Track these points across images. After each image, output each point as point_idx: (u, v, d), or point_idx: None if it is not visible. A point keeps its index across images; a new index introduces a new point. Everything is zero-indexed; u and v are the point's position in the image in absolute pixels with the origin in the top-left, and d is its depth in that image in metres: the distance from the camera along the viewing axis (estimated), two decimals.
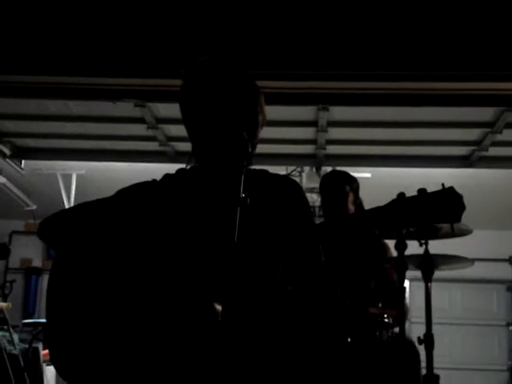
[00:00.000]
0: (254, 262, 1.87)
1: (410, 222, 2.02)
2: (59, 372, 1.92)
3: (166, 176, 2.10)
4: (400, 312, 2.82)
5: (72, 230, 2.01)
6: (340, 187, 4.00)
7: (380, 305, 3.81)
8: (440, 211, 1.99)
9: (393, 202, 2.00)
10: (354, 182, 4.07)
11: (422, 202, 2.00)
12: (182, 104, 2.03)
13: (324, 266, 2.02)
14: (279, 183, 2.06)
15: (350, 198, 3.99)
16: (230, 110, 1.94)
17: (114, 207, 2.03)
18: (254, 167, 2.01)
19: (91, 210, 2.04)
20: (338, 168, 6.89)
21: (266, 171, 2.09)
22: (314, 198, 6.57)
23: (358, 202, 4.03)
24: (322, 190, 4.14)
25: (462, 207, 1.99)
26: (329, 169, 6.99)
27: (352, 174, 4.16)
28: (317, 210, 6.30)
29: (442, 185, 2.06)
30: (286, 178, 2.15)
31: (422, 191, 2.02)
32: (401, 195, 2.03)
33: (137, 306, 1.85)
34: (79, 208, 2.08)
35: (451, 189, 2.01)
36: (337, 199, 3.99)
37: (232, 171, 1.82)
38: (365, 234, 3.77)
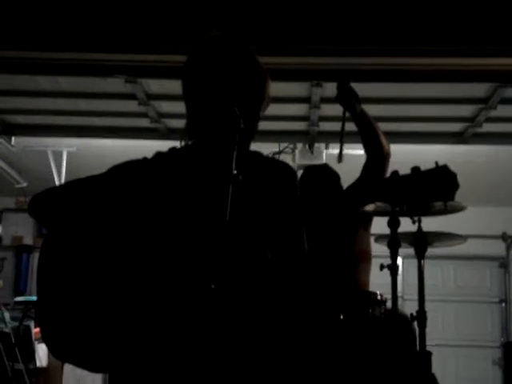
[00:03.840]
0: (245, 240, 1.86)
1: (404, 200, 1.99)
2: (51, 350, 1.91)
3: (158, 154, 2.08)
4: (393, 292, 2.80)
5: (64, 207, 1.98)
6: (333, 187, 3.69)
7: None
8: (434, 190, 1.96)
9: (387, 180, 1.96)
10: None
11: (415, 180, 1.97)
12: (184, 78, 2.03)
13: (308, 253, 1.99)
14: (273, 167, 2.04)
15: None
16: (231, 87, 1.94)
17: (107, 185, 2.02)
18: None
19: (83, 187, 2.02)
20: (332, 145, 6.90)
21: (260, 153, 2.07)
22: None
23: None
24: (314, 187, 3.69)
25: (456, 185, 1.95)
26: (322, 146, 6.97)
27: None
28: None
29: (436, 163, 2.02)
30: (281, 162, 2.11)
31: (415, 169, 1.99)
32: (394, 173, 1.99)
33: (129, 283, 1.84)
34: (71, 185, 2.05)
35: (445, 167, 1.97)
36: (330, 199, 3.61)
37: (225, 148, 1.80)
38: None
